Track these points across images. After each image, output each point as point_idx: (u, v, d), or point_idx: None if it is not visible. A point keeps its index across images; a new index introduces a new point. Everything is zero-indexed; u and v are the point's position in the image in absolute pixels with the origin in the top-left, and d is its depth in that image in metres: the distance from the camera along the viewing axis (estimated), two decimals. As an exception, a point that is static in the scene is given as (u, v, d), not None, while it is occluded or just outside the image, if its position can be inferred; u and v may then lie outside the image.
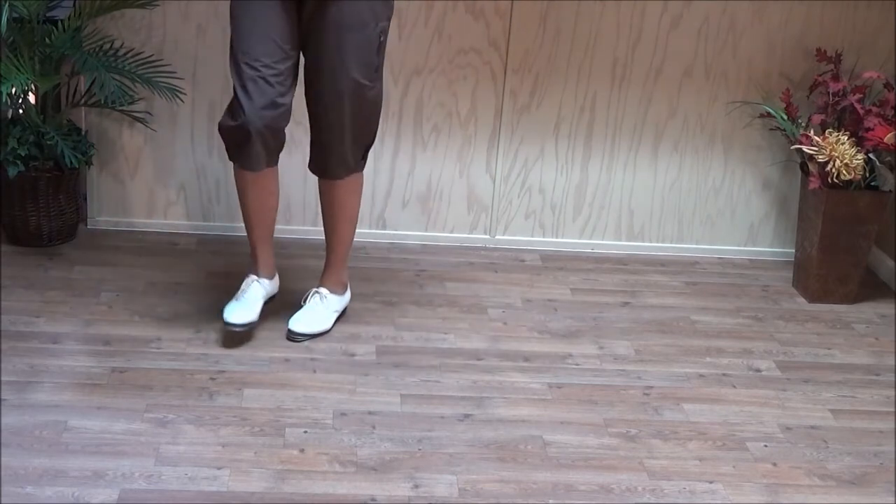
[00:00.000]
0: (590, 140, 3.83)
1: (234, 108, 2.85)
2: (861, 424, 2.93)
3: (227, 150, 2.94)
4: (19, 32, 3.34)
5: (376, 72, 2.92)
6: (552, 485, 2.55)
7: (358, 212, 3.17)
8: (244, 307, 3.04)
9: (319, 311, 3.14)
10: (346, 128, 2.94)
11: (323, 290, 3.15)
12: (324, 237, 3.18)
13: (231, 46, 2.87)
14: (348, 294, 3.24)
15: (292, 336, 3.08)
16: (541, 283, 3.66)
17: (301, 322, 3.11)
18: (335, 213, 3.11)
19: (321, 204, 3.14)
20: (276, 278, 3.19)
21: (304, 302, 3.16)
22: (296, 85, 2.93)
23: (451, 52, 3.68)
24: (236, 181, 3.02)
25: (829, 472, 2.69)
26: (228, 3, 2.89)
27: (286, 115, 2.88)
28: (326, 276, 3.18)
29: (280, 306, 3.22)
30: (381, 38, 2.88)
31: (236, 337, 3.04)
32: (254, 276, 3.10)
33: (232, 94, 2.87)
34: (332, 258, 3.17)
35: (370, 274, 3.59)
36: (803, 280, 3.71)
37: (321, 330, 3.12)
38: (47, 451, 2.52)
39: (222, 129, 2.89)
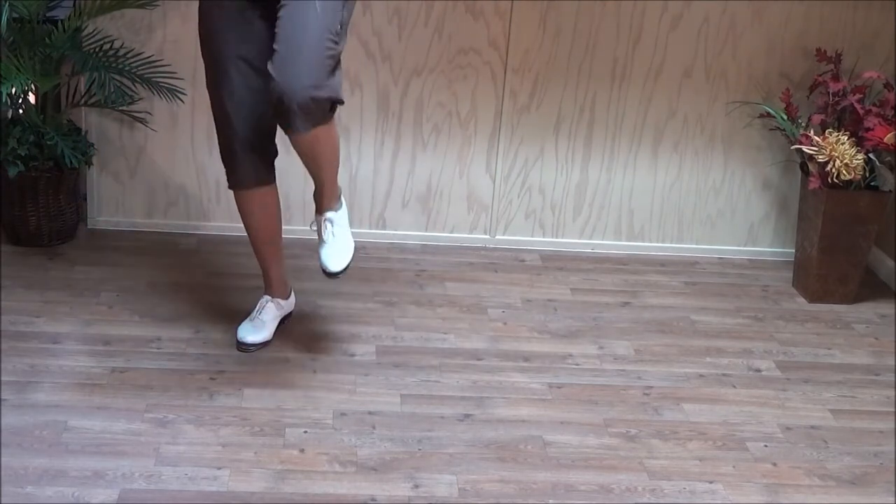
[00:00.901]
0: (590, 140, 3.83)
1: (219, 129, 2.94)
2: (861, 424, 2.93)
3: (227, 173, 2.99)
4: (19, 32, 3.34)
5: (341, 28, 2.73)
6: (552, 485, 2.55)
7: (338, 145, 2.97)
8: (258, 327, 3.08)
9: (341, 236, 3.00)
10: (314, 74, 2.65)
11: (329, 215, 2.99)
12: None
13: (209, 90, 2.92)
14: (344, 200, 3.10)
15: (333, 275, 2.96)
16: (541, 283, 3.66)
17: (335, 257, 2.96)
18: (317, 162, 2.88)
19: (299, 155, 2.89)
20: (292, 297, 3.20)
21: (322, 235, 2.98)
22: None
23: (451, 52, 3.68)
24: (238, 206, 3.04)
25: (829, 472, 2.69)
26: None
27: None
28: (325, 200, 2.99)
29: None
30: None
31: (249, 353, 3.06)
32: (267, 297, 3.12)
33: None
34: (324, 186, 2.97)
35: (370, 274, 3.60)
36: (803, 280, 3.71)
37: (352, 253, 3.00)
38: (47, 451, 2.52)
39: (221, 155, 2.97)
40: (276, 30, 2.71)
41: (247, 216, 3.03)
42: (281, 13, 2.70)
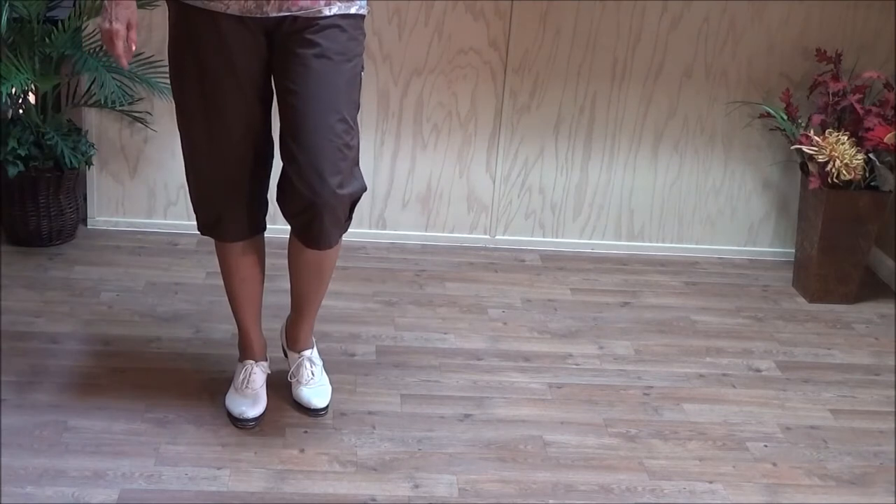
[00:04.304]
0: (590, 140, 3.83)
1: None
2: (861, 424, 2.93)
3: (206, 224, 2.60)
4: (19, 32, 3.34)
5: (357, 110, 2.48)
6: (552, 485, 2.55)
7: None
8: (252, 400, 2.71)
9: (320, 374, 2.82)
10: (342, 173, 2.42)
11: (308, 354, 2.80)
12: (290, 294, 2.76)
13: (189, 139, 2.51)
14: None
15: (320, 411, 2.75)
16: (541, 283, 3.66)
17: (321, 395, 2.77)
18: (320, 280, 2.67)
19: (295, 270, 2.65)
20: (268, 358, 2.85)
21: (302, 376, 2.78)
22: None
23: (451, 52, 3.68)
24: (222, 259, 2.66)
25: (829, 472, 2.69)
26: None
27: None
28: (304, 336, 2.80)
29: (279, 308, 3.23)
30: (361, 74, 2.50)
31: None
32: (251, 362, 2.75)
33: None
34: (307, 317, 2.76)
35: (370, 274, 3.60)
36: (803, 280, 3.71)
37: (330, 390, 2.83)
38: (47, 451, 2.52)
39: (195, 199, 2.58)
40: (289, 109, 2.39)
41: (234, 269, 2.66)
42: (296, 86, 2.37)
